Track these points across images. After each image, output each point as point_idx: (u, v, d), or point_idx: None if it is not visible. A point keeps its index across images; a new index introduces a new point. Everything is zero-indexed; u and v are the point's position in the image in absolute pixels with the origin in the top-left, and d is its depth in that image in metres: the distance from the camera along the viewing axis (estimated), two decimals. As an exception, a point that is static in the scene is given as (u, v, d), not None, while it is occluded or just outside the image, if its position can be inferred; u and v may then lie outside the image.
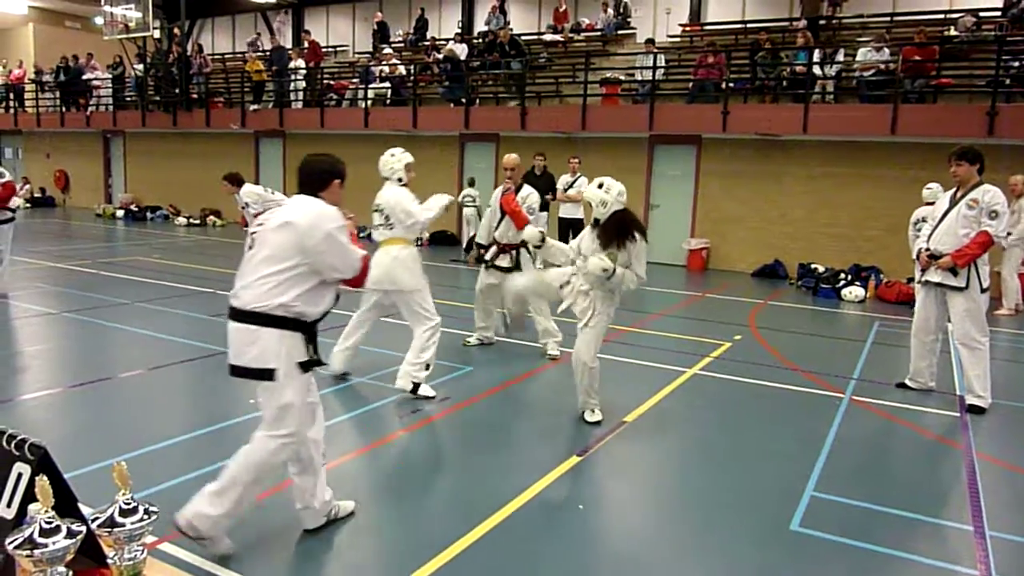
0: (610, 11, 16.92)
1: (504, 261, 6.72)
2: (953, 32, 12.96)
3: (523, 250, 6.69)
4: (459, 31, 19.06)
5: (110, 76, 21.16)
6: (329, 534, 3.43)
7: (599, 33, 17.11)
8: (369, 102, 16.29)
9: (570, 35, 17.37)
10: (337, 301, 3.26)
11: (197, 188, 19.02)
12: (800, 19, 14.78)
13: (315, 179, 3.26)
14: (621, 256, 4.70)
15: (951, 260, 5.47)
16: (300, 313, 3.06)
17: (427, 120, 15.65)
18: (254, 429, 3.20)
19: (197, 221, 18.54)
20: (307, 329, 3.11)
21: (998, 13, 13.39)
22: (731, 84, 12.97)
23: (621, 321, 8.38)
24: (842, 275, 11.07)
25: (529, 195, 6.77)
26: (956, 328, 5.65)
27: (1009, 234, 9.25)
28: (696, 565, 3.37)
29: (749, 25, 16.17)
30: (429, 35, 19.40)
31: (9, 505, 1.61)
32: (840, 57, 12.78)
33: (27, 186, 22.50)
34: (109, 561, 1.51)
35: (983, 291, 5.54)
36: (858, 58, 12.19)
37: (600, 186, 4.85)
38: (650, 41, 14.65)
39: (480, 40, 17.26)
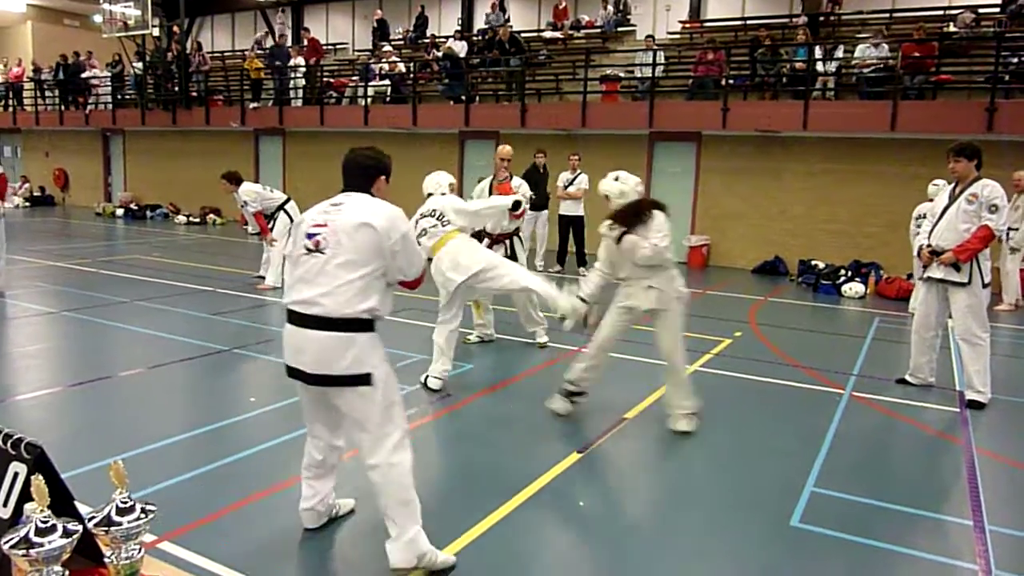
0: (610, 8, 16.91)
1: (499, 252, 6.74)
2: (952, 28, 12.95)
3: (516, 239, 6.92)
4: (459, 28, 19.05)
5: (109, 74, 21.14)
6: (330, 532, 3.43)
7: (599, 30, 17.10)
8: (369, 100, 16.28)
9: (570, 32, 17.35)
10: None
11: (197, 186, 19.01)
12: (800, 15, 14.77)
13: (360, 175, 3.17)
14: (640, 231, 4.70)
15: (953, 255, 5.47)
16: (380, 315, 3.02)
17: (427, 118, 15.64)
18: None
19: (197, 219, 18.54)
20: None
21: (997, 9, 13.38)
22: (731, 81, 12.97)
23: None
24: (842, 271, 11.07)
25: (520, 185, 7.05)
26: (957, 324, 5.64)
27: (1015, 230, 9.29)
28: (696, 561, 3.37)
29: (749, 22, 16.16)
30: (429, 32, 19.39)
31: (5, 504, 1.61)
32: (840, 53, 12.78)
33: (26, 185, 22.78)
34: (106, 560, 1.50)
35: (985, 286, 5.55)
36: (857, 54, 12.19)
37: (616, 179, 4.91)
38: (650, 38, 14.63)
39: (480, 37, 17.24)
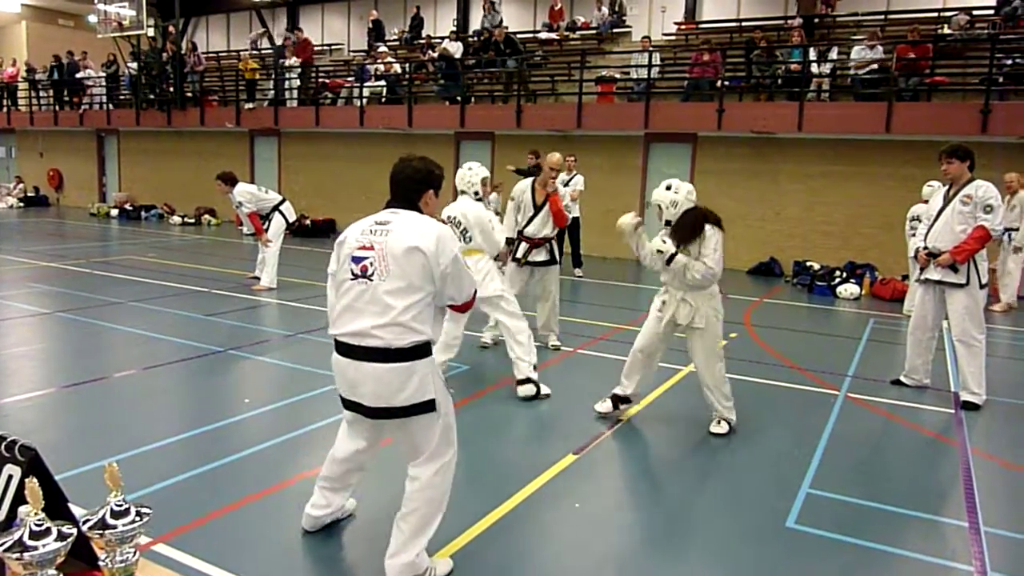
0: (605, 9, 16.92)
1: (540, 255, 6.82)
2: (947, 30, 12.99)
3: (554, 243, 6.92)
4: (454, 29, 19.04)
5: (104, 74, 21.09)
6: (327, 534, 3.42)
7: (594, 31, 17.11)
8: (364, 100, 16.27)
9: (565, 33, 17.36)
10: None
11: (192, 187, 18.97)
12: (795, 17, 14.80)
13: (410, 188, 2.94)
14: (693, 249, 4.64)
15: (950, 257, 5.48)
16: (433, 340, 2.89)
17: (422, 118, 15.63)
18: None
19: (192, 220, 18.49)
20: None
21: (991, 11, 13.42)
22: (726, 82, 12.98)
23: (618, 319, 8.39)
24: (837, 272, 11.09)
25: (524, 192, 6.87)
26: (954, 325, 5.66)
27: (1015, 230, 9.33)
28: (692, 563, 3.37)
29: (744, 23, 16.19)
30: (424, 33, 19.37)
31: (-1, 507, 1.60)
32: (834, 55, 12.81)
33: (20, 185, 22.69)
34: (101, 563, 1.50)
35: (982, 287, 5.57)
36: (852, 56, 12.22)
37: (668, 187, 4.80)
38: (646, 39, 14.65)
39: (475, 38, 17.24)
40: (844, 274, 11.01)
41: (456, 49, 16.28)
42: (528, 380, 5.49)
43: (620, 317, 8.52)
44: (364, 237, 2.84)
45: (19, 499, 1.53)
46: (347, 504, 3.54)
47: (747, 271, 12.72)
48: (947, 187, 5.73)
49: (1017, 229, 9.38)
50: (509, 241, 6.95)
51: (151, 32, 19.21)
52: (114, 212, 19.83)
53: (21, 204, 22.02)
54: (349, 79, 17.62)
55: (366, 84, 16.37)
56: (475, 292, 3.06)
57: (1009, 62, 11.38)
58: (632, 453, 4.72)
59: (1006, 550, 3.52)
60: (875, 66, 11.86)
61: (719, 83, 12.84)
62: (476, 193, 5.71)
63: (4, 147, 24.73)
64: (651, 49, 13.88)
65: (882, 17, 15.15)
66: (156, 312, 8.04)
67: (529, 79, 15.29)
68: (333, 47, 22.88)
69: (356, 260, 2.81)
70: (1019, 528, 3.73)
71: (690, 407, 5.44)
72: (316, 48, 21.61)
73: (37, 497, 1.39)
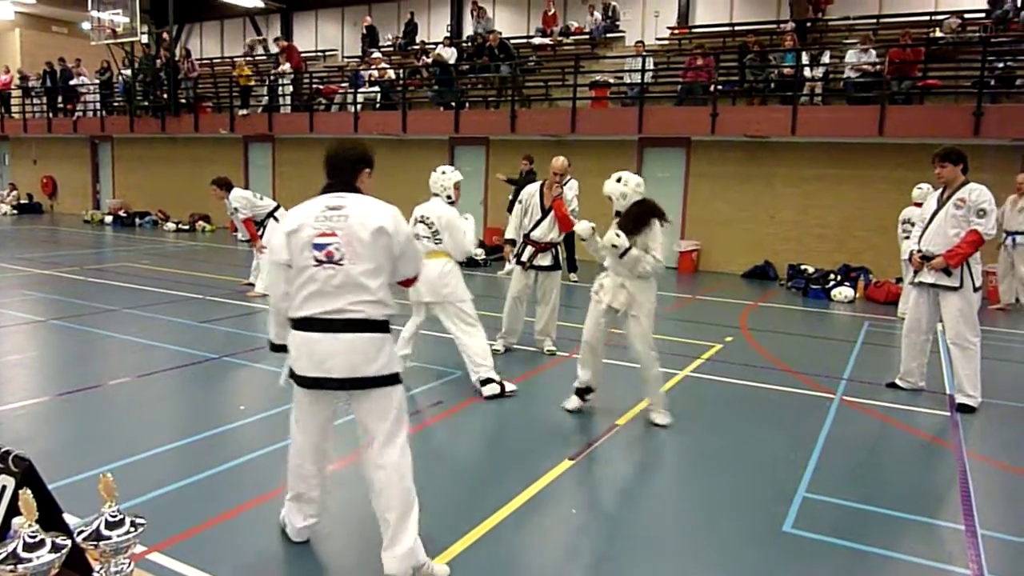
0: (598, 14, 16.96)
1: (545, 260, 6.87)
2: (939, 33, 13.07)
3: (558, 248, 7.03)
4: (448, 35, 19.07)
5: (98, 81, 21.05)
6: (321, 541, 3.40)
7: (588, 36, 17.15)
8: (359, 106, 16.27)
9: (559, 39, 17.40)
10: None
11: (186, 193, 18.94)
12: (788, 21, 14.86)
13: (348, 169, 3.03)
14: (640, 240, 4.82)
15: (944, 260, 5.50)
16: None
17: (417, 124, 15.64)
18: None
19: (186, 227, 18.46)
20: None
21: (983, 15, 13.50)
22: (719, 86, 13.03)
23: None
24: (831, 276, 11.13)
25: (532, 195, 6.96)
26: (949, 328, 5.67)
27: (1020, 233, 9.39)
28: (689, 568, 3.36)
29: (737, 27, 16.24)
30: (418, 39, 19.37)
31: (-8, 518, 1.59)
32: (827, 59, 12.86)
33: (14, 192, 22.62)
34: (95, 574, 1.49)
35: (976, 290, 5.59)
36: (845, 60, 12.27)
37: (618, 180, 5.03)
38: (639, 43, 14.68)
39: (469, 44, 17.27)
40: (838, 277, 11.04)
41: (450, 55, 16.31)
42: (490, 380, 5.59)
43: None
44: (321, 224, 2.88)
45: (13, 510, 1.52)
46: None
47: (742, 275, 12.75)
48: (940, 190, 5.75)
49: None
50: (512, 242, 6.98)
51: (145, 39, 19.18)
52: (108, 219, 19.79)
53: (15, 211, 21.95)
54: (343, 85, 17.62)
55: (360, 90, 16.38)
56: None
57: (1001, 65, 11.44)
58: (627, 458, 4.71)
59: (1003, 553, 3.52)
60: (868, 69, 11.90)
61: (712, 87, 12.89)
62: (448, 197, 5.79)
63: (-3, 154, 24.67)
64: (644, 54, 13.94)
65: (874, 20, 15.21)
66: (150, 319, 8.02)
67: (523, 84, 15.32)
68: (327, 53, 22.88)
69: (318, 247, 2.85)
70: (1016, 531, 3.73)
71: (686, 412, 5.44)
72: (310, 55, 21.65)
73: (31, 509, 1.38)
